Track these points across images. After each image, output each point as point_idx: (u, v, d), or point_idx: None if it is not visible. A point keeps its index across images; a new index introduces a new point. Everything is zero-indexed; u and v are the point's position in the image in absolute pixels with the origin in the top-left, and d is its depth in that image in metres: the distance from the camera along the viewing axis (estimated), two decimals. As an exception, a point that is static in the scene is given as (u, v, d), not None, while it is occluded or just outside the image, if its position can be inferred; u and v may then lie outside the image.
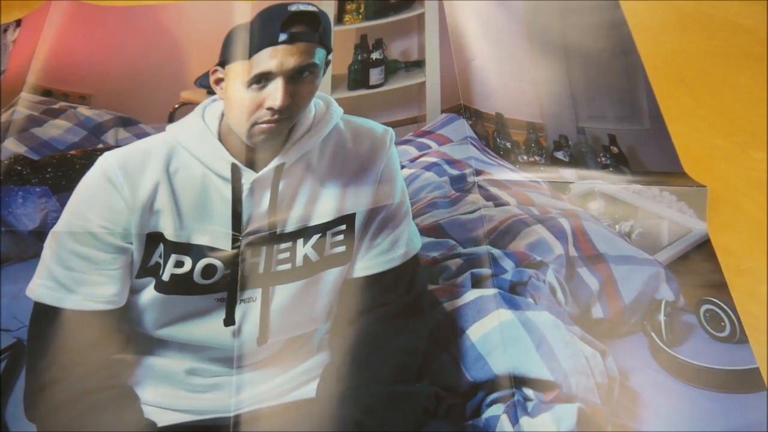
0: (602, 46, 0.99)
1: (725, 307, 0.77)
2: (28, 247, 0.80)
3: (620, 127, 0.90)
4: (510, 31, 0.99)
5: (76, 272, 0.70)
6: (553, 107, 0.91)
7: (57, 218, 0.72)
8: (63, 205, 0.72)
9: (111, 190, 0.70)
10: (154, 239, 0.71)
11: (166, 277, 0.70)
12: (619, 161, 0.86)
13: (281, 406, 0.70)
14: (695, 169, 0.87)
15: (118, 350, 0.71)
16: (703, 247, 0.82)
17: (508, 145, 0.85)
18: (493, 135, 0.86)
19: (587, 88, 0.94)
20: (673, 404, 0.71)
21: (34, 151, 0.86)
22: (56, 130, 0.90)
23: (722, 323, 0.76)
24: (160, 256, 0.71)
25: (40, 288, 0.70)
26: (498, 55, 0.95)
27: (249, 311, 0.71)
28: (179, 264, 0.71)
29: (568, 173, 0.83)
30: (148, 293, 0.71)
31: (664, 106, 0.93)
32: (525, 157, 0.84)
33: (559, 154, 0.85)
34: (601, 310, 0.76)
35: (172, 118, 0.90)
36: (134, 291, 0.71)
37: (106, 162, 0.71)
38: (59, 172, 0.85)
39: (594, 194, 0.81)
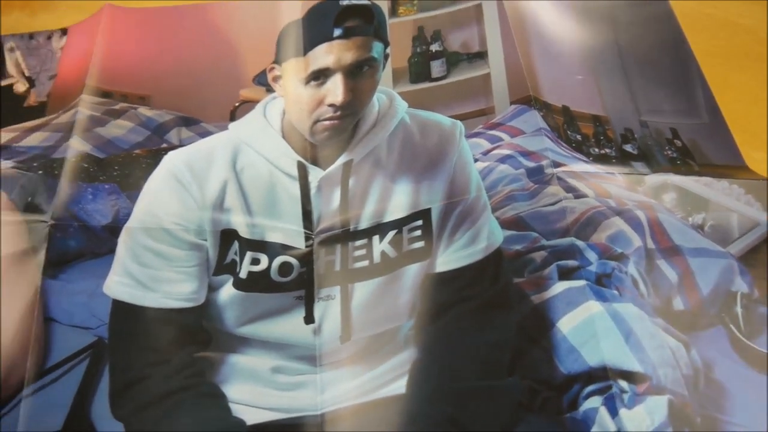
0: (653, 39, 0.99)
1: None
2: (102, 243, 0.79)
3: (679, 121, 0.90)
4: (561, 24, 0.99)
5: (151, 269, 0.68)
6: (614, 100, 0.91)
7: (128, 215, 0.70)
8: (133, 202, 0.72)
9: (180, 189, 0.68)
10: (228, 236, 0.69)
11: (243, 274, 0.69)
12: (684, 154, 0.86)
13: (370, 403, 0.69)
14: None
15: (200, 348, 0.70)
16: (772, 238, 0.82)
17: (579, 137, 0.84)
18: (563, 127, 0.85)
19: (643, 81, 0.94)
20: (756, 395, 0.71)
21: (99, 150, 0.86)
22: (119, 129, 0.90)
23: (798, 314, 0.77)
24: (235, 254, 0.69)
25: (117, 285, 0.68)
26: (555, 48, 0.95)
27: (329, 309, 0.70)
28: (255, 261, 0.69)
29: (639, 165, 0.83)
30: (227, 291, 0.69)
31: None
32: (596, 150, 0.83)
33: (628, 147, 0.85)
34: (682, 302, 0.76)
35: (233, 117, 0.88)
36: (213, 288, 0.70)
37: (172, 162, 0.69)
38: (126, 170, 0.85)
39: (667, 186, 0.81)
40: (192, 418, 0.65)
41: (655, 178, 0.81)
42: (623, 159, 0.84)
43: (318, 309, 0.69)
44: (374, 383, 0.70)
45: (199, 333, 0.70)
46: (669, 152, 0.86)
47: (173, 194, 0.68)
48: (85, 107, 0.90)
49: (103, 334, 0.72)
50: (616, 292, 0.73)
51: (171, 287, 0.68)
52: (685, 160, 0.86)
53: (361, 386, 0.69)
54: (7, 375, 0.70)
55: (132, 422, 0.66)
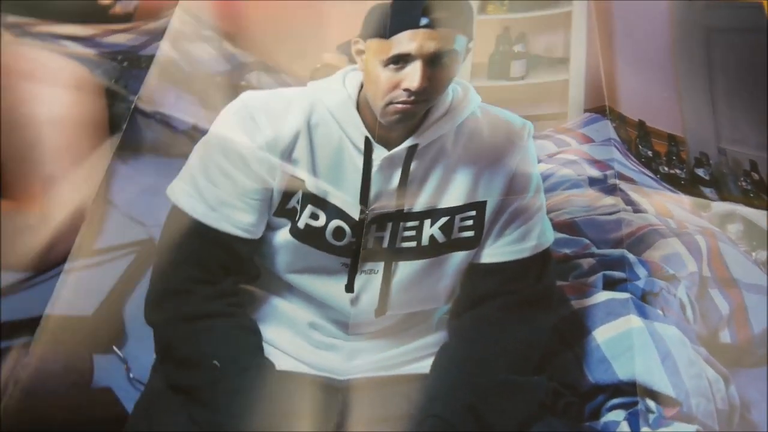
0: (748, 56, 0.96)
1: None
2: (177, 144, 0.79)
3: (762, 155, 0.87)
4: (654, 39, 0.97)
5: (219, 189, 0.70)
6: (695, 123, 0.89)
7: (206, 131, 0.71)
8: (210, 121, 0.72)
9: (253, 128, 0.70)
10: (294, 183, 0.71)
11: (301, 224, 0.71)
12: (760, 188, 0.83)
13: (393, 377, 0.70)
14: None
15: (247, 281, 0.72)
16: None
17: (650, 153, 0.83)
18: (636, 141, 0.84)
19: (731, 108, 0.91)
20: (792, 443, 0.68)
21: (186, 62, 0.88)
22: (205, 53, 0.92)
23: None
24: (297, 202, 0.71)
25: (182, 193, 0.70)
26: (642, 63, 0.94)
27: (369, 282, 0.71)
28: (314, 216, 0.71)
29: (708, 191, 0.81)
30: (283, 235, 0.71)
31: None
32: (666, 168, 0.82)
33: (700, 171, 0.83)
34: (729, 336, 0.74)
35: (314, 76, 0.91)
36: (271, 228, 0.72)
37: (250, 100, 0.72)
38: (208, 90, 0.86)
39: (734, 217, 0.79)
40: (224, 344, 0.68)
41: (722, 206, 0.79)
42: (692, 182, 0.82)
43: (359, 280, 0.71)
44: (400, 359, 0.71)
45: (250, 266, 0.72)
46: (743, 183, 0.83)
47: (246, 130, 0.70)
48: (177, 21, 0.92)
49: (155, 234, 0.72)
50: (660, 312, 0.72)
51: (233, 213, 0.70)
52: (759, 194, 0.83)
53: (389, 360, 0.71)
54: (54, 242, 0.71)
55: (162, 331, 0.69)
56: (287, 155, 0.71)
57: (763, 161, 0.87)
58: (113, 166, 0.77)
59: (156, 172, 0.77)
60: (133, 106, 0.81)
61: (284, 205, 0.71)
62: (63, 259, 0.72)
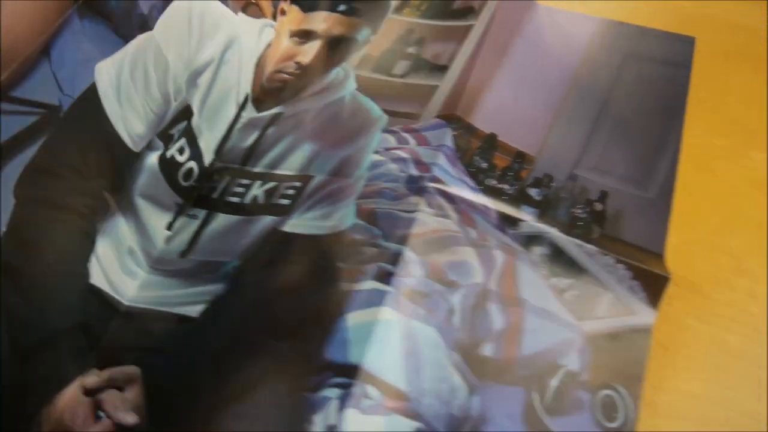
0: (648, 102, 0.93)
1: (629, 399, 0.72)
2: (128, 26, 0.79)
3: (621, 188, 0.85)
4: (557, 58, 0.97)
5: (134, 86, 0.74)
6: (558, 146, 0.88)
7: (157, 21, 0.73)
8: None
9: (185, 34, 0.75)
10: (186, 113, 0.76)
11: (168, 153, 0.76)
12: (594, 219, 0.82)
13: (168, 313, 0.77)
14: (695, 170, 0.86)
15: (111, 190, 0.76)
16: (642, 334, 0.76)
17: (484, 165, 0.84)
18: (474, 151, 0.86)
19: (610, 136, 0.90)
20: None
21: None
22: None
23: (615, 414, 0.72)
24: (178, 132, 0.76)
25: (105, 75, 0.74)
26: (527, 81, 0.94)
27: (187, 226, 0.78)
28: (181, 151, 0.76)
29: (529, 211, 0.81)
30: (153, 158, 0.76)
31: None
32: (494, 182, 0.83)
33: (533, 191, 0.83)
34: (492, 350, 0.74)
35: (244, 10, 0.86)
36: (147, 148, 0.76)
37: (197, 3, 0.76)
38: None
39: (542, 240, 0.79)
40: (65, 242, 0.73)
41: (531, 227, 0.79)
42: (517, 200, 0.82)
43: (180, 222, 0.78)
44: (179, 300, 0.78)
45: (119, 176, 0.76)
46: (578, 211, 0.82)
47: (180, 35, 0.75)
48: None
49: (65, 105, 0.73)
50: (423, 312, 0.75)
51: (131, 117, 0.74)
52: (590, 225, 0.82)
53: (169, 298, 0.78)
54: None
55: (22, 207, 0.73)
56: (193, 80, 0.76)
57: (618, 194, 0.85)
58: (70, 16, 0.76)
59: (102, 47, 0.76)
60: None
61: (168, 129, 0.77)
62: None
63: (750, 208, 0.83)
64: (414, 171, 0.82)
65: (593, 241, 0.79)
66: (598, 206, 0.83)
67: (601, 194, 0.84)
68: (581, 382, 0.74)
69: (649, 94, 0.93)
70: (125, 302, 0.77)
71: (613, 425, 0.71)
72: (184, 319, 0.77)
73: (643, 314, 0.77)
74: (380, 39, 0.96)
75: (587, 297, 0.77)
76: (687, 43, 0.98)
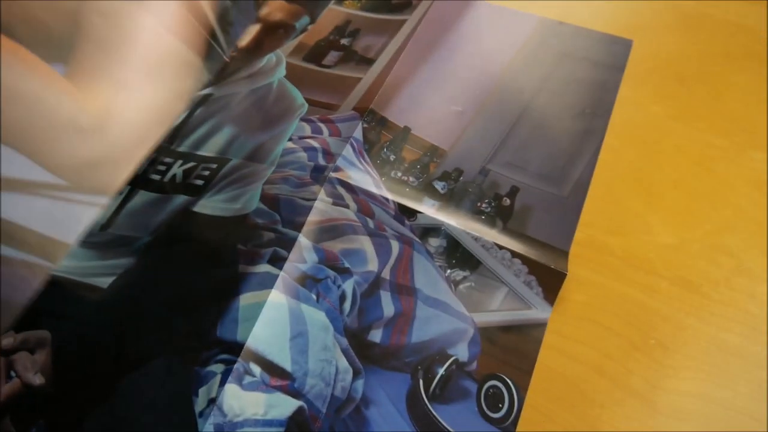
0: (573, 102, 0.93)
1: (515, 392, 0.72)
2: None
3: (534, 185, 0.86)
4: (489, 60, 0.97)
5: None
6: (472, 142, 0.89)
7: None
8: None
9: None
10: None
11: None
12: (499, 214, 0.83)
13: (83, 283, 0.79)
14: (695, 170, 0.86)
15: None
16: (537, 329, 0.77)
17: (392, 158, 0.85)
18: (384, 144, 0.87)
19: (528, 136, 0.90)
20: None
21: None
22: None
23: (500, 405, 0.72)
24: None
25: None
26: (452, 77, 0.95)
27: (114, 201, 0.82)
28: None
29: (431, 203, 0.82)
30: None
31: (664, 105, 0.92)
32: (399, 174, 0.84)
33: (439, 185, 0.84)
34: (380, 337, 0.75)
35: None
36: None
37: None
38: None
39: (439, 231, 0.80)
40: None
41: (430, 219, 0.80)
42: (420, 192, 0.83)
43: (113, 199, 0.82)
44: (93, 271, 0.80)
45: None
46: (483, 205, 0.83)
47: None
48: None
49: None
50: (314, 296, 0.76)
51: None
52: (494, 219, 0.82)
53: (85, 269, 0.80)
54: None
55: None
56: None
57: (530, 190, 0.85)
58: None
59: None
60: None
61: None
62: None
63: (750, 208, 0.82)
64: (322, 161, 0.84)
65: (489, 235, 0.80)
66: (506, 201, 0.84)
67: (512, 189, 0.85)
68: (469, 372, 0.74)
69: (577, 94, 0.94)
70: (52, 272, 0.80)
71: (496, 415, 0.72)
72: (94, 289, 0.79)
73: (539, 309, 0.77)
74: (316, 29, 0.98)
75: (482, 289, 0.78)
76: (624, 46, 0.98)
